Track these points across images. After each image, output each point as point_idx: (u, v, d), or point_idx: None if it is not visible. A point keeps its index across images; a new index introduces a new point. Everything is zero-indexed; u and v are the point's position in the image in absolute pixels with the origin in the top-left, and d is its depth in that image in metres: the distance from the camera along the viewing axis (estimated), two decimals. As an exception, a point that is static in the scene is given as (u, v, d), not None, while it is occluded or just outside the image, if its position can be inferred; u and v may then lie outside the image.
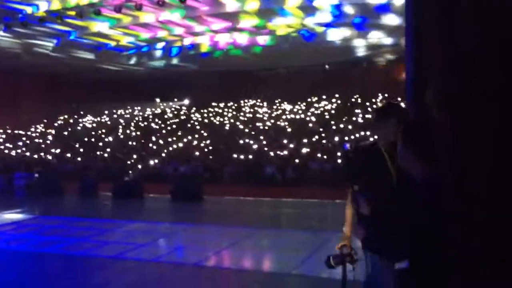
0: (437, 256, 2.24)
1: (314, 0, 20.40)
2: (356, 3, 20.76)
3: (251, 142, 24.28)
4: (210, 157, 22.76)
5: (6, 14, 20.31)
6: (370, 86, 28.91)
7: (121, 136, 29.90)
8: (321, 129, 25.04)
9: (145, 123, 32.92)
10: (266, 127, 27.37)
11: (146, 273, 7.63)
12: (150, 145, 26.53)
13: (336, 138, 22.82)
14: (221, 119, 30.64)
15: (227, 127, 28.60)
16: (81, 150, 26.77)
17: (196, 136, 26.87)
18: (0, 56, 26.32)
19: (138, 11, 19.70)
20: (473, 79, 2.26)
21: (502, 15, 2.20)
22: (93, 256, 8.71)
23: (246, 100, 33.75)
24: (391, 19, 22.08)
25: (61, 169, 22.35)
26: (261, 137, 24.92)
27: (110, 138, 28.98)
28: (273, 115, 30.07)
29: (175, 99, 37.81)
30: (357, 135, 22.98)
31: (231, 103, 33.62)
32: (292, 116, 29.19)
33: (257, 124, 28.03)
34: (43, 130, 32.69)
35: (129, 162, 22.85)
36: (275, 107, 31.94)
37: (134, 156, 24.03)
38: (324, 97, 31.39)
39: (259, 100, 33.31)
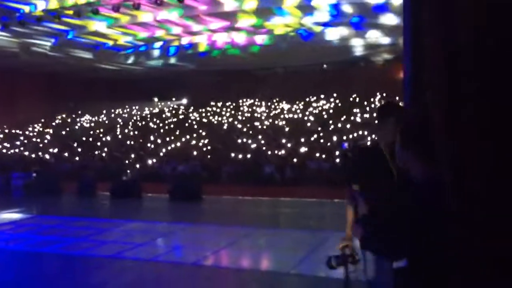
0: (437, 256, 2.24)
1: (312, -1, 20.42)
2: (354, 2, 20.77)
3: (250, 141, 24.28)
4: (209, 156, 22.75)
5: (4, 13, 20.26)
6: (368, 85, 28.94)
7: (119, 136, 29.87)
8: (319, 129, 25.05)
9: (143, 122, 32.90)
10: (265, 127, 27.38)
11: (144, 273, 7.63)
12: (148, 144, 26.51)
13: (334, 138, 22.83)
14: (219, 119, 30.63)
15: (225, 127, 28.60)
16: (79, 149, 26.74)
17: (194, 135, 26.86)
18: (-2, 56, 26.30)
19: (136, 10, 19.68)
20: (472, 79, 2.26)
21: (499, 14, 2.20)
22: (91, 255, 8.70)
23: (244, 100, 33.75)
24: (389, 19, 22.10)
25: (59, 168, 22.32)
26: (260, 137, 24.92)
27: (108, 138, 28.96)
28: (271, 114, 30.08)
29: (173, 99, 37.80)
30: (355, 134, 23.00)
31: (229, 103, 33.63)
32: (291, 115, 29.20)
33: (255, 123, 28.03)
34: (41, 129, 32.65)
35: (127, 162, 22.83)
36: (273, 106, 31.95)
37: (132, 156, 24.01)
38: (322, 96, 31.41)
39: (257, 100, 33.30)
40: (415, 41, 3.22)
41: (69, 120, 35.19)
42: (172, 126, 30.50)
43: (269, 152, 21.97)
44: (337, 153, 19.84)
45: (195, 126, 29.27)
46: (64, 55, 27.66)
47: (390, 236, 2.45)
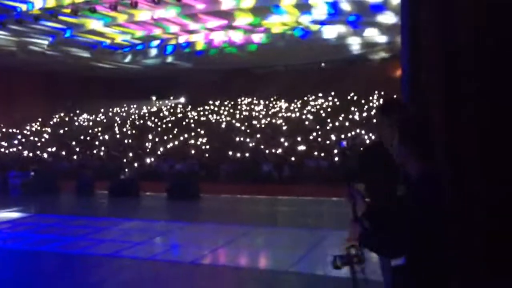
0: (437, 256, 2.25)
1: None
2: (351, 1, 20.78)
3: (248, 140, 24.28)
4: (207, 155, 22.75)
5: (1, 11, 20.21)
6: (366, 83, 28.95)
7: (117, 135, 29.83)
8: (317, 127, 25.06)
9: (141, 121, 32.86)
10: (263, 125, 27.37)
11: (142, 271, 7.63)
12: (146, 143, 26.49)
13: (333, 136, 22.84)
14: (217, 117, 30.62)
15: (223, 125, 28.59)
16: (77, 148, 26.70)
17: (192, 134, 26.85)
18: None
19: (133, 9, 19.65)
20: (472, 79, 2.26)
21: (499, 14, 2.21)
22: (89, 254, 8.70)
23: (242, 98, 33.74)
24: (387, 18, 22.11)
25: (57, 167, 22.30)
26: (258, 135, 24.92)
27: (106, 136, 28.93)
28: (269, 113, 30.08)
29: (171, 97, 37.77)
30: (353, 132, 23.01)
31: (227, 101, 33.61)
32: (289, 114, 29.20)
33: (253, 122, 28.03)
34: (38, 128, 32.59)
35: (125, 161, 22.82)
36: (271, 105, 31.95)
37: (130, 154, 23.99)
38: (320, 94, 31.42)
39: (255, 98, 33.29)
40: (413, 41, 3.23)
41: (67, 119, 35.12)
42: (170, 124, 30.48)
43: (267, 151, 21.97)
44: (335, 151, 19.85)
45: (193, 125, 29.25)
46: (61, 53, 27.60)
47: (389, 234, 2.45)
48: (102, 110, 35.53)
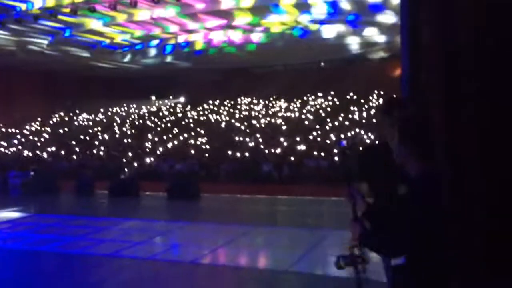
0: (437, 256, 2.25)
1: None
2: (351, 0, 20.79)
3: (247, 139, 24.27)
4: (206, 154, 22.75)
5: (0, 11, 20.20)
6: (365, 83, 28.95)
7: (117, 134, 29.81)
8: (317, 126, 25.05)
9: (141, 121, 32.85)
10: (263, 125, 27.36)
11: (142, 271, 7.63)
12: (146, 143, 26.48)
13: (332, 136, 22.84)
14: (217, 117, 30.61)
15: (223, 125, 28.58)
16: (77, 148, 26.70)
17: (192, 134, 26.85)
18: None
19: (133, 9, 19.65)
20: (472, 79, 2.26)
21: (499, 14, 2.21)
22: (89, 254, 8.70)
23: (242, 98, 33.72)
24: (386, 17, 22.12)
25: (56, 167, 22.29)
26: (258, 135, 24.91)
27: (106, 136, 28.92)
28: (269, 112, 30.07)
29: (171, 97, 37.75)
30: (353, 132, 23.01)
31: (227, 101, 33.60)
32: (288, 113, 29.20)
33: (253, 121, 28.02)
34: (38, 128, 32.58)
35: (125, 160, 22.82)
36: (271, 104, 31.94)
37: (130, 154, 23.99)
38: (320, 94, 31.41)
39: (254, 98, 33.28)
40: (413, 40, 3.23)
41: (66, 118, 35.11)
42: (169, 124, 30.47)
43: (267, 151, 21.97)
44: (335, 151, 19.85)
45: (193, 125, 29.24)
46: (61, 53, 27.59)
47: (389, 234, 2.46)
48: (101, 110, 35.51)
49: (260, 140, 24.08)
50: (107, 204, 16.60)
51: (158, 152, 24.29)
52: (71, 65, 30.08)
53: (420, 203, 2.32)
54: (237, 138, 24.78)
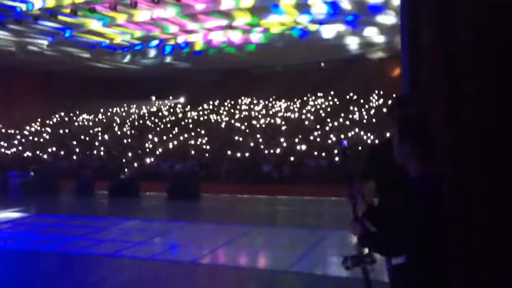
0: (437, 256, 2.25)
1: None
2: (351, 0, 20.80)
3: (247, 139, 24.28)
4: (206, 154, 22.76)
5: (0, 11, 20.21)
6: (365, 83, 28.97)
7: (117, 135, 29.82)
8: (318, 126, 25.05)
9: (141, 121, 32.87)
10: (263, 125, 27.37)
11: (142, 271, 7.63)
12: (146, 143, 26.50)
13: (332, 136, 22.85)
14: (217, 117, 30.62)
15: (223, 125, 28.60)
16: (77, 148, 26.71)
17: (192, 134, 26.86)
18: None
19: (133, 9, 19.66)
20: (472, 79, 2.27)
21: (499, 14, 2.22)
22: (89, 254, 8.70)
23: (241, 98, 33.74)
24: (386, 18, 22.13)
25: (56, 167, 22.30)
26: (258, 135, 24.92)
27: (106, 136, 28.93)
28: (269, 112, 30.08)
29: (170, 97, 37.78)
30: (353, 132, 23.02)
31: (227, 101, 33.61)
32: (288, 114, 29.21)
33: (253, 122, 28.03)
34: (38, 128, 32.59)
35: (125, 160, 22.83)
36: (271, 104, 31.96)
37: (130, 154, 24.00)
38: (320, 94, 31.43)
39: (254, 98, 33.30)
40: (413, 41, 3.24)
41: (66, 119, 35.13)
42: (169, 125, 30.49)
43: (267, 151, 21.97)
44: (335, 151, 19.85)
45: (193, 125, 29.26)
46: (61, 54, 27.60)
47: (389, 234, 2.46)
48: (101, 110, 35.54)
49: (260, 140, 24.09)
50: (107, 204, 16.60)
51: (158, 152, 24.29)
52: (71, 65, 30.10)
53: (420, 203, 2.33)
54: (236, 138, 24.79)
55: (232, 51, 29.14)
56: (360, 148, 18.81)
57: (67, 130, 31.56)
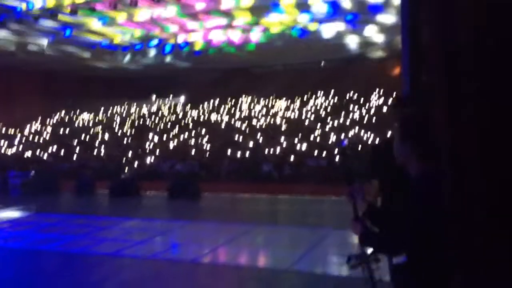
0: (437, 256, 2.26)
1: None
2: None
3: (248, 139, 24.28)
4: (207, 154, 22.76)
5: (1, 11, 20.22)
6: (365, 83, 28.96)
7: (117, 134, 29.82)
8: (318, 126, 25.05)
9: (141, 120, 32.87)
10: (263, 125, 27.37)
11: (143, 270, 7.64)
12: (146, 143, 26.50)
13: (333, 135, 22.85)
14: (217, 117, 30.62)
15: (223, 125, 28.59)
16: (77, 148, 26.71)
17: (193, 133, 26.85)
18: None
19: (133, 8, 19.67)
20: (472, 79, 2.28)
21: (499, 14, 2.22)
22: (90, 253, 8.71)
23: (242, 97, 33.73)
24: (386, 17, 22.13)
25: (57, 167, 22.31)
26: (258, 135, 24.93)
27: (106, 136, 28.93)
28: (269, 112, 30.08)
29: (171, 97, 37.78)
30: (353, 131, 23.02)
31: (227, 100, 33.60)
32: (289, 113, 29.21)
33: (253, 121, 28.03)
34: (38, 128, 32.59)
35: (125, 160, 22.83)
36: (271, 104, 31.95)
37: (130, 154, 24.00)
38: (320, 94, 31.42)
39: (255, 97, 33.30)
40: (413, 41, 3.24)
41: (66, 118, 35.13)
42: (169, 124, 30.48)
43: (266, 151, 21.97)
44: (335, 150, 19.86)
45: (193, 124, 29.25)
46: (61, 53, 27.60)
47: (389, 234, 2.47)
48: (102, 110, 35.54)
49: (260, 139, 24.09)
50: (107, 204, 16.61)
51: (158, 152, 24.30)
52: (71, 65, 30.10)
53: (421, 203, 2.34)
54: (237, 137, 24.79)
55: (232, 50, 29.15)
56: (360, 147, 18.83)
57: (67, 130, 31.55)
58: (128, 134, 29.49)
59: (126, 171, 20.18)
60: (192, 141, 25.41)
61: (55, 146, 26.71)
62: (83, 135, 29.35)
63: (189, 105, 34.96)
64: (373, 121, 24.20)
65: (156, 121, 31.83)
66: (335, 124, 25.18)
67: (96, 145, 26.98)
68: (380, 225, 2.57)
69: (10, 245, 9.63)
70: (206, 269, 7.77)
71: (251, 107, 31.92)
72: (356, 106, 27.57)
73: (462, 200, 2.07)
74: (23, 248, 9.22)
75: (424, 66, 2.92)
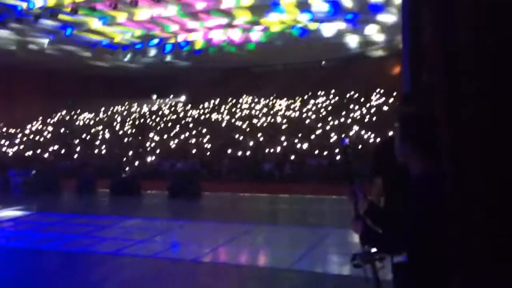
0: (437, 256, 2.27)
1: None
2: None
3: (248, 138, 24.29)
4: (208, 153, 22.78)
5: (1, 10, 20.23)
6: (365, 82, 28.97)
7: (118, 133, 29.84)
8: (319, 125, 25.06)
9: (142, 120, 32.89)
10: (264, 124, 27.38)
11: (143, 269, 7.66)
12: (147, 142, 26.52)
13: (333, 134, 22.85)
14: (218, 116, 30.64)
15: (224, 124, 28.61)
16: (78, 147, 26.74)
17: (193, 132, 26.87)
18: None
19: (133, 8, 19.68)
20: (472, 79, 2.28)
21: (500, 14, 2.22)
22: (91, 252, 8.73)
23: (243, 97, 33.75)
24: (386, 16, 22.13)
25: (58, 166, 22.34)
26: (259, 134, 24.94)
27: (107, 135, 28.96)
28: (270, 111, 30.09)
29: (171, 96, 37.81)
30: (353, 130, 23.03)
31: (227, 100, 33.63)
32: (289, 112, 29.22)
33: (254, 120, 28.04)
34: (39, 127, 32.62)
35: (126, 159, 22.85)
36: (271, 103, 31.96)
37: (131, 153, 24.02)
38: (320, 93, 31.43)
39: (255, 97, 33.31)
40: (414, 40, 3.25)
41: (67, 117, 35.17)
42: (170, 123, 30.51)
43: (267, 150, 21.98)
44: (336, 149, 19.86)
45: (194, 124, 29.27)
46: (61, 52, 27.62)
47: (390, 233, 2.47)
48: (102, 109, 35.57)
49: (261, 139, 24.09)
50: (108, 203, 16.63)
51: (158, 151, 24.31)
52: (72, 64, 30.12)
53: (421, 203, 2.34)
54: (237, 137, 24.80)
55: (232, 49, 29.17)
56: (360, 146, 18.84)
57: (68, 129, 31.58)
58: (129, 133, 29.50)
59: (127, 170, 20.19)
60: (193, 140, 25.42)
61: (56, 145, 26.74)
62: (84, 134, 29.37)
63: (190, 104, 34.99)
64: (374, 120, 24.19)
65: (157, 120, 31.84)
66: (336, 123, 25.17)
67: (97, 144, 27.00)
68: (381, 224, 2.57)
69: (12, 244, 9.65)
70: (206, 269, 7.78)
71: (252, 106, 31.93)
72: (357, 106, 27.56)
73: (462, 200, 2.07)
74: (24, 247, 9.24)
75: (424, 65, 2.92)
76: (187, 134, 26.70)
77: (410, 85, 3.38)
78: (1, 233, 10.94)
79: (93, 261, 8.23)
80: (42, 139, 29.36)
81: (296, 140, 22.73)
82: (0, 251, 9.14)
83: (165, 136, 26.79)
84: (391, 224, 2.45)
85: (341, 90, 30.13)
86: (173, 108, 35.27)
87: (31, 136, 30.09)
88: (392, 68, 26.85)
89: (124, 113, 35.44)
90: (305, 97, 31.28)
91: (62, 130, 31.44)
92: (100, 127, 31.19)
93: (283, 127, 25.96)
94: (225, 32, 26.12)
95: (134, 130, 29.95)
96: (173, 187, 16.21)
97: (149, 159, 22.65)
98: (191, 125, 28.89)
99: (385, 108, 25.82)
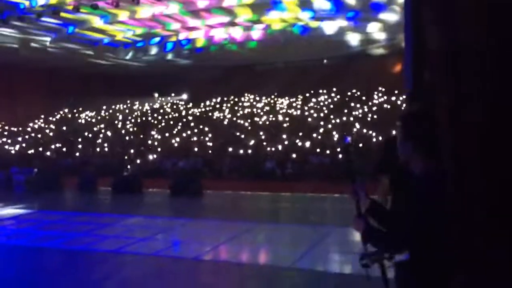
0: (437, 255, 2.28)
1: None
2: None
3: (250, 136, 24.29)
4: (209, 151, 22.79)
5: (4, 8, 20.24)
6: (367, 80, 28.95)
7: (120, 131, 29.86)
8: (321, 123, 25.05)
9: (143, 118, 32.91)
10: (265, 122, 27.37)
11: (145, 267, 7.68)
12: (149, 140, 26.54)
13: (335, 133, 22.84)
14: (219, 114, 30.64)
15: (225, 122, 28.61)
16: (80, 145, 26.77)
17: (195, 131, 26.88)
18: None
19: (135, 6, 19.68)
20: (474, 79, 2.28)
21: (501, 14, 2.23)
22: (93, 250, 8.76)
23: (244, 95, 33.74)
24: (388, 15, 22.11)
25: (60, 164, 22.37)
26: (260, 132, 24.93)
27: (109, 133, 28.98)
28: (271, 110, 30.07)
29: (173, 94, 37.82)
30: (355, 129, 23.02)
31: (229, 98, 33.63)
32: (291, 110, 29.21)
33: (256, 119, 28.04)
34: (41, 125, 32.66)
35: (127, 157, 22.87)
36: (273, 101, 31.95)
37: (133, 151, 24.04)
38: (321, 91, 31.40)
39: (257, 95, 33.30)
40: (417, 39, 3.26)
41: (69, 116, 35.21)
42: (171, 121, 30.51)
43: (269, 148, 21.98)
44: (338, 148, 19.85)
45: (195, 122, 29.27)
46: (63, 50, 27.64)
47: (391, 233, 2.48)
48: (104, 107, 35.59)
49: (263, 137, 24.09)
50: (110, 201, 16.65)
51: (160, 149, 24.33)
52: (74, 62, 30.14)
53: (422, 202, 2.35)
54: (239, 135, 24.80)
55: (234, 48, 29.15)
56: (361, 145, 18.82)
57: (70, 127, 31.61)
58: (131, 131, 29.52)
59: (128, 168, 20.21)
60: (195, 139, 25.43)
61: (57, 143, 26.77)
62: (85, 132, 29.40)
63: (191, 102, 34.99)
64: (375, 118, 24.17)
65: (159, 119, 31.86)
66: (337, 122, 25.15)
67: (99, 142, 27.03)
68: (384, 223, 2.58)
69: (13, 242, 9.68)
70: (208, 267, 7.80)
71: (253, 105, 31.92)
72: (358, 104, 27.54)
73: (462, 200, 2.08)
74: (26, 245, 9.27)
75: (426, 65, 2.93)
76: (188, 132, 26.69)
77: (412, 84, 3.38)
78: (3, 231, 10.96)
79: (94, 259, 8.26)
80: (44, 137, 29.38)
81: (298, 139, 22.72)
82: (2, 249, 9.17)
83: (167, 135, 26.79)
84: (392, 223, 2.46)
85: (342, 88, 30.10)
86: (174, 107, 35.27)
87: (33, 134, 30.12)
88: (394, 67, 26.81)
89: (126, 112, 35.44)
90: (307, 95, 31.25)
91: (64, 128, 31.46)
92: (102, 126, 31.21)
93: (285, 125, 25.94)
94: (226, 30, 26.11)
95: (135, 128, 29.96)
96: (175, 186, 16.22)
97: (150, 157, 22.66)
98: (192, 123, 28.88)
99: (387, 106, 25.80)
